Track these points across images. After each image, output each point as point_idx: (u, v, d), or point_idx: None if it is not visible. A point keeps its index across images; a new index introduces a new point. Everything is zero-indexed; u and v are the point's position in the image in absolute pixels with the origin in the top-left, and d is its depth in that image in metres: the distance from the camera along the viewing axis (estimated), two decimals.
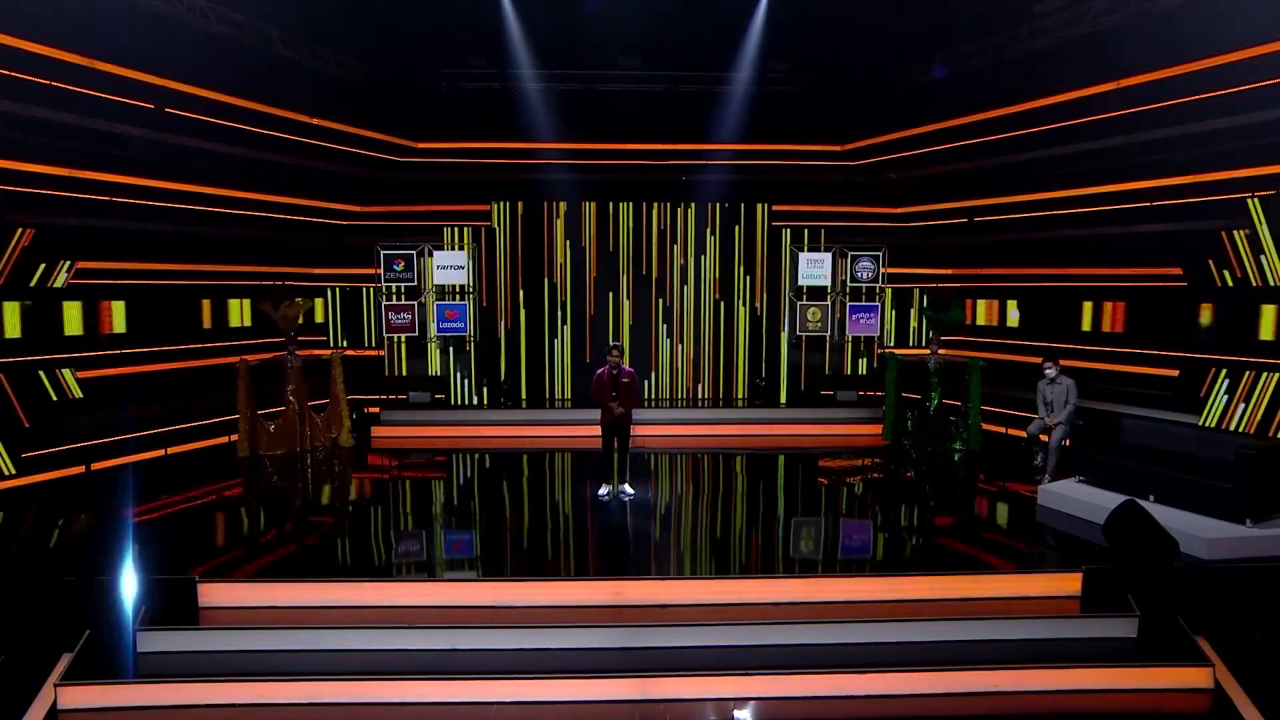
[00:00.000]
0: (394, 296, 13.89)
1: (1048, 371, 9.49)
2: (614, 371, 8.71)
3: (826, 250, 14.43)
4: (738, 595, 6.62)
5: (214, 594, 6.50)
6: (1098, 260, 11.81)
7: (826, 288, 14.32)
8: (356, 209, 14.72)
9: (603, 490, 9.02)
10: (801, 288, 14.35)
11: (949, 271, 14.30)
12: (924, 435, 11.64)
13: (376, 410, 13.19)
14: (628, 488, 9.09)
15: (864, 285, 14.28)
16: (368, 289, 14.26)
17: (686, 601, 6.53)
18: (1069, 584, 6.67)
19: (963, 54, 12.94)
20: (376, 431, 12.68)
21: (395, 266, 13.83)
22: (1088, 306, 11.97)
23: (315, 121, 13.59)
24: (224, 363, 11.96)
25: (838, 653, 6.05)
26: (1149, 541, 6.37)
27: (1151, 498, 7.80)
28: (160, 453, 10.57)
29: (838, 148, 15.49)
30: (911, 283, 14.54)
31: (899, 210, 15.12)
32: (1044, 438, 9.64)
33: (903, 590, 6.67)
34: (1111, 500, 7.89)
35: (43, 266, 9.80)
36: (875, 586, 6.74)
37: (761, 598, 6.60)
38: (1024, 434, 10.03)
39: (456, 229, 14.41)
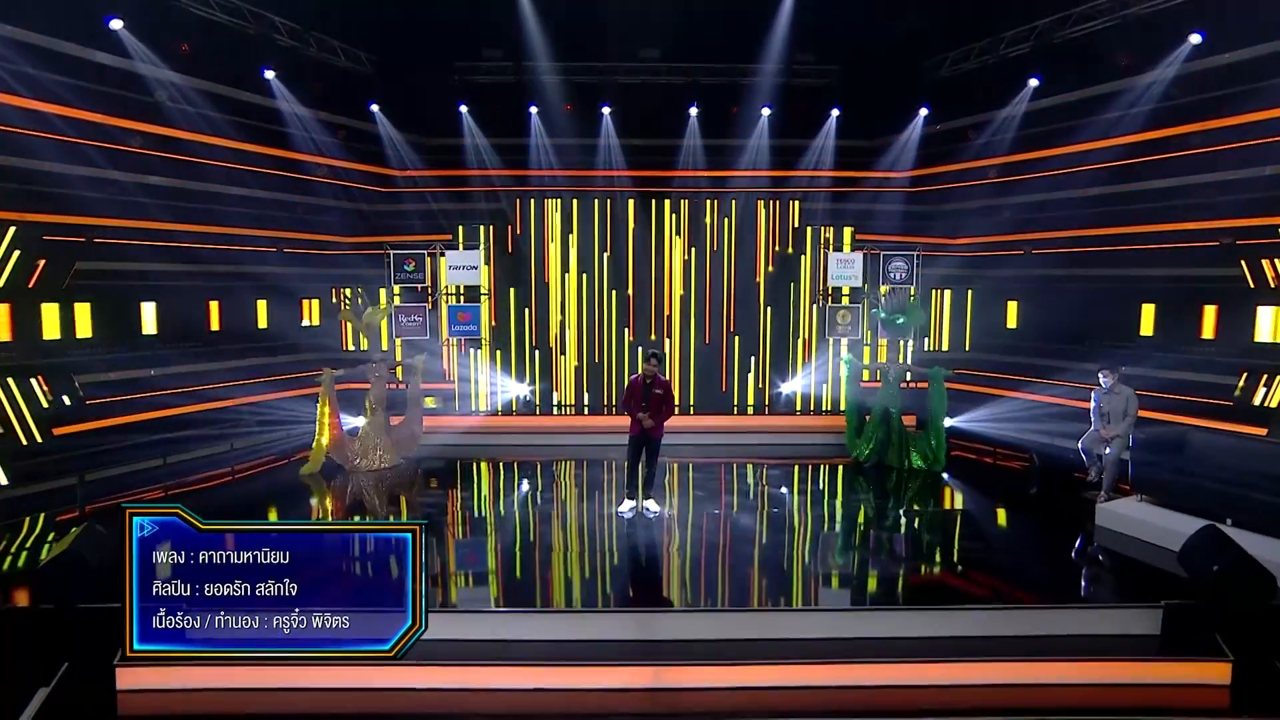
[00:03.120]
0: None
1: (1104, 380, 8.75)
2: (647, 380, 8.05)
3: (856, 249, 13.71)
4: (770, 630, 6.01)
5: None
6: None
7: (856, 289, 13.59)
8: (364, 207, 14.20)
9: (625, 507, 8.40)
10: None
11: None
12: (894, 450, 10.65)
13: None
14: (652, 505, 8.43)
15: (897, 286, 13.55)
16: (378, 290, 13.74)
17: (717, 637, 5.92)
18: (1145, 621, 5.99)
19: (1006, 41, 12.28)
20: None
21: (406, 267, 13.28)
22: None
23: (321, 116, 13.08)
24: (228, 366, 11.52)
25: (882, 695, 5.46)
26: (1240, 575, 5.68)
27: (1229, 520, 7.08)
28: (158, 462, 10.06)
29: (867, 143, 14.82)
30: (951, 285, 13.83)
31: (930, 205, 14.45)
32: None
33: (949, 627, 6.00)
34: (1180, 522, 7.22)
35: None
36: (918, 623, 6.05)
37: (797, 633, 5.98)
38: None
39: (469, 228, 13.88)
